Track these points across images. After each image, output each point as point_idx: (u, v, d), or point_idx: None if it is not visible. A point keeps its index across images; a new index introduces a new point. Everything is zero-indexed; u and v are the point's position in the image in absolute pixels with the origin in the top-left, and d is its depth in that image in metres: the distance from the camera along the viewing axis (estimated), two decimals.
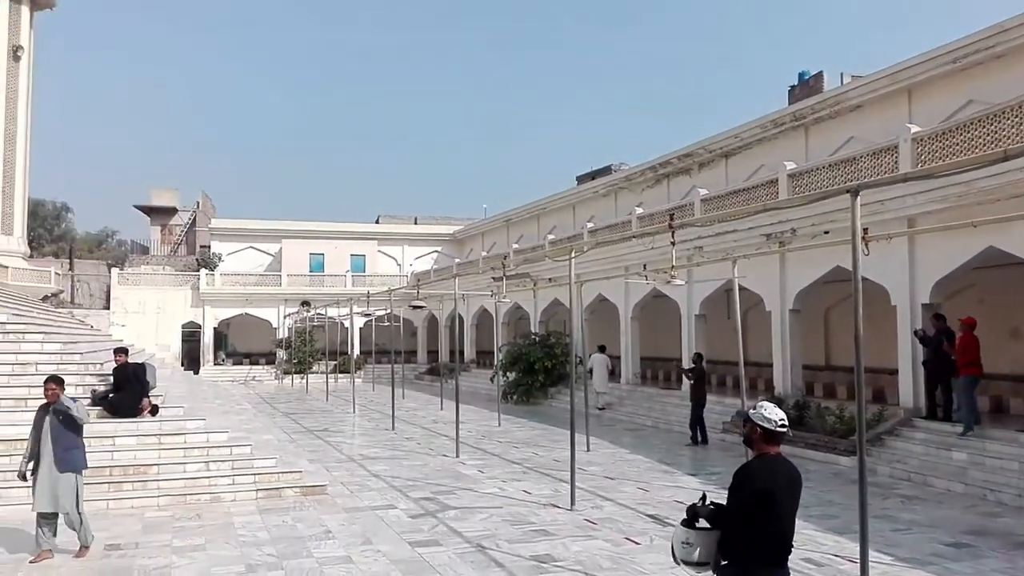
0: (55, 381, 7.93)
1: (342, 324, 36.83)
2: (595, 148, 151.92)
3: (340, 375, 35.51)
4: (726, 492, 4.06)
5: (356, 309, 31.85)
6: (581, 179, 40.05)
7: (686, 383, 18.28)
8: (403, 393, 26.83)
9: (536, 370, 25.23)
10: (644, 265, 16.47)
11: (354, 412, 23.54)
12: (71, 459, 7.77)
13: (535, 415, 22.21)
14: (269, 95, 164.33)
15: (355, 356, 38.03)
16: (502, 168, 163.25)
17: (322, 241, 44.55)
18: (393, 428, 19.12)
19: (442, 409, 23.82)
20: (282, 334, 40.53)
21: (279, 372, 39.67)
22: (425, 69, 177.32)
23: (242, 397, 27.51)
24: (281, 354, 40.16)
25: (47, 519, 7.76)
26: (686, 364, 19.28)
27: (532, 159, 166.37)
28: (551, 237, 28.80)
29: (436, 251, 47.29)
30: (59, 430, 7.73)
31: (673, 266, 10.08)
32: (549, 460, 14.22)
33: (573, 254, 10.87)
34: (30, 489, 7.85)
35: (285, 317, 40.58)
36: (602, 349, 22.45)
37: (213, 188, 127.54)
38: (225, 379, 36.89)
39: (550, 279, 24.87)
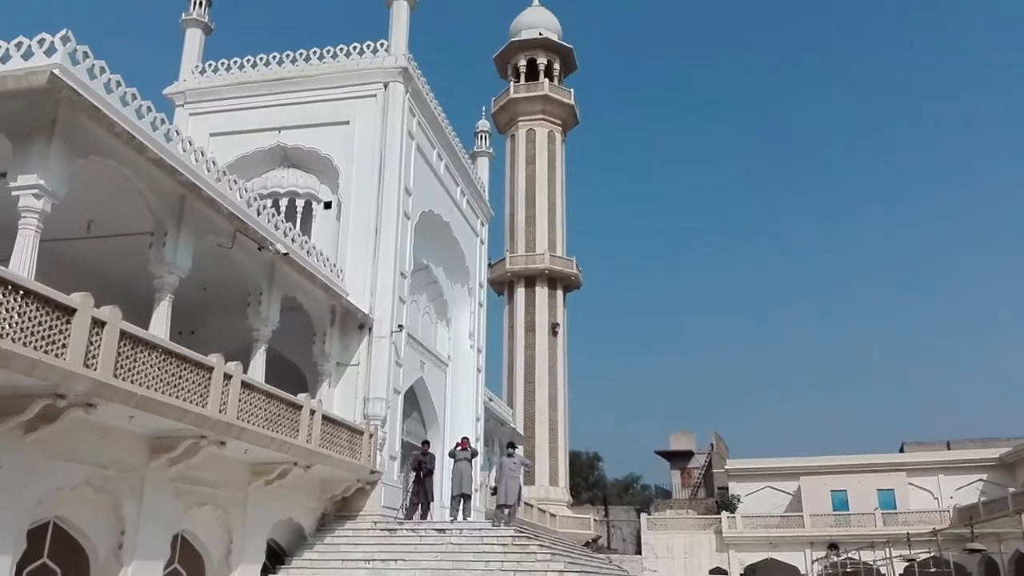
0: None
1: (878, 570, 32.82)
2: None
3: None
4: None
5: (894, 552, 28.31)
6: None
7: None
8: None
9: None
10: None
11: None
12: None
13: None
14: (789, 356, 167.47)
15: None
16: None
17: (843, 476, 41.51)
18: None
19: None
20: None
21: None
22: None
23: None
24: None
25: None
26: None
27: None
28: None
29: (980, 479, 40.39)
30: None
31: None
32: None
33: None
34: None
35: (813, 562, 37.78)
36: None
37: (724, 428, 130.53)
38: None
39: None
